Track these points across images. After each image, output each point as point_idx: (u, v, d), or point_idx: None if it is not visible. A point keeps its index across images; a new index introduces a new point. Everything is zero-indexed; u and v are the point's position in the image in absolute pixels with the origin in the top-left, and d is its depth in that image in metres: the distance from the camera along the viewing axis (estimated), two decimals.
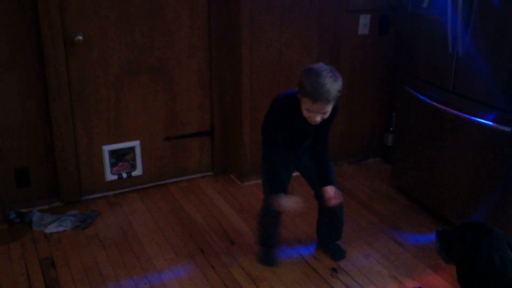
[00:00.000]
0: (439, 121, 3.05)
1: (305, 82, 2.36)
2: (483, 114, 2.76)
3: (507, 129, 2.64)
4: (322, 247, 2.94)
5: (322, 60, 2.51)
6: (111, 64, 3.20)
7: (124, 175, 3.46)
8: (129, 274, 2.73)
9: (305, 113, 2.43)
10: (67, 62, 3.08)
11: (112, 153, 3.39)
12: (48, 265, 2.78)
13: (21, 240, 2.98)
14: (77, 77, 3.15)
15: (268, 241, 2.85)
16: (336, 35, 3.56)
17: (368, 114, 3.88)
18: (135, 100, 3.34)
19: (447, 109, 2.94)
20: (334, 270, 2.79)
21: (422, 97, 3.11)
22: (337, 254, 2.89)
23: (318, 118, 2.43)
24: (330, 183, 2.61)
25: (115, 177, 3.44)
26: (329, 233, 2.91)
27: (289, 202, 2.56)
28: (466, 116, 2.83)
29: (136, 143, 3.43)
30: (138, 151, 3.45)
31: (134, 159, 3.46)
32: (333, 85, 2.35)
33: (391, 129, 3.86)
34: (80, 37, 3.04)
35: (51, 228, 3.06)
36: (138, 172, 3.50)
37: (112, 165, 3.41)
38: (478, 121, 2.78)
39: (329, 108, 2.41)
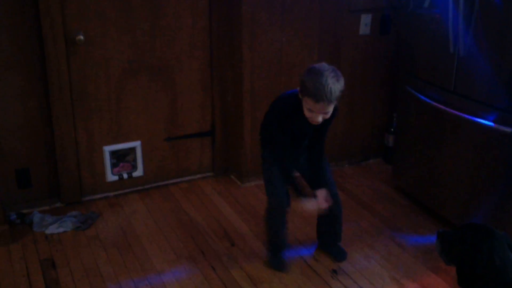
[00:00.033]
0: (440, 121, 3.04)
1: (308, 82, 2.36)
2: (484, 115, 2.75)
3: (508, 129, 2.63)
4: (322, 249, 2.93)
5: (323, 60, 2.50)
6: (112, 64, 3.20)
7: (125, 175, 3.46)
8: (130, 275, 2.73)
9: (307, 113, 2.43)
10: (68, 62, 3.08)
11: (113, 153, 3.39)
12: (48, 266, 2.79)
13: (22, 241, 2.98)
14: (78, 77, 3.15)
15: (278, 243, 2.81)
16: (337, 34, 3.55)
17: (368, 115, 3.87)
18: (136, 100, 3.34)
19: (448, 109, 2.93)
20: (334, 271, 2.79)
21: (423, 97, 3.10)
22: (339, 255, 2.88)
23: (320, 118, 2.42)
24: (322, 185, 2.61)
25: (115, 177, 3.44)
26: (329, 235, 2.90)
27: (311, 205, 2.58)
28: (467, 116, 2.82)
29: (136, 144, 3.43)
30: (138, 152, 3.45)
31: (134, 159, 3.46)
32: (336, 85, 2.34)
33: (392, 129, 3.85)
34: (81, 37, 3.04)
35: (52, 229, 3.06)
36: (138, 172, 3.49)
37: (113, 165, 3.41)
38: (479, 121, 2.77)
39: (331, 108, 2.41)
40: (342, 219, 2.87)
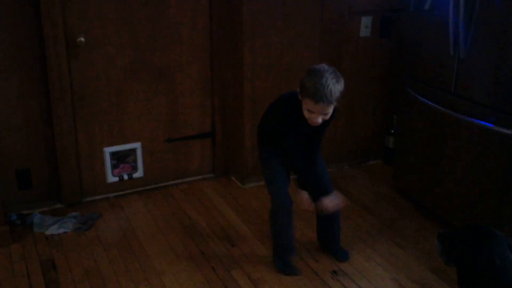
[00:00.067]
0: (440, 123, 3.05)
1: (307, 83, 2.36)
2: (485, 116, 2.75)
3: (508, 131, 2.64)
4: (324, 250, 2.93)
5: (324, 62, 2.50)
6: (112, 65, 3.21)
7: (125, 177, 3.46)
8: (130, 275, 2.73)
9: (306, 114, 2.42)
10: (69, 63, 3.09)
11: (113, 155, 3.39)
12: (48, 267, 2.79)
13: (22, 241, 2.98)
14: (79, 79, 3.16)
15: (285, 245, 2.77)
16: (337, 37, 3.56)
17: (369, 116, 3.87)
18: (136, 102, 3.34)
19: (448, 111, 2.94)
20: (334, 272, 2.79)
21: (423, 99, 3.11)
22: (341, 255, 2.88)
23: (319, 119, 2.42)
24: (327, 192, 2.61)
25: (116, 179, 3.44)
26: (328, 236, 2.90)
27: (308, 197, 2.61)
28: (467, 118, 2.83)
29: (137, 145, 3.43)
30: (139, 153, 3.46)
31: (135, 161, 3.46)
32: (336, 86, 2.34)
33: (392, 131, 3.85)
34: (82, 39, 3.04)
35: (52, 230, 3.06)
36: (139, 174, 3.50)
37: (113, 167, 3.41)
38: (479, 123, 2.77)
39: (330, 109, 2.41)
40: (340, 219, 2.86)
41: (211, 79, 3.50)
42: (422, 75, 3.15)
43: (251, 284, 2.69)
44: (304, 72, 2.44)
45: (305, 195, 2.62)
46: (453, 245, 2.06)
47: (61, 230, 3.06)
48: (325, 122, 2.48)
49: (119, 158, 3.42)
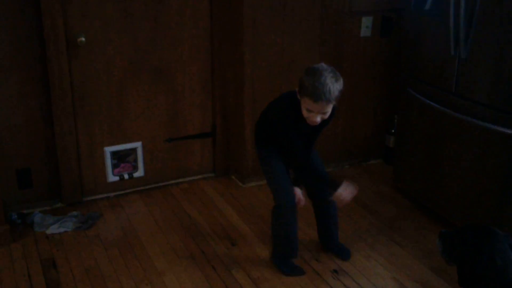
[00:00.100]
0: (441, 123, 3.05)
1: (306, 82, 2.36)
2: (485, 116, 2.76)
3: (508, 131, 2.64)
4: (325, 249, 2.93)
5: (325, 62, 2.50)
6: (113, 65, 3.21)
7: (126, 176, 3.47)
8: (130, 275, 2.74)
9: (305, 114, 2.42)
10: (69, 63, 3.09)
11: (114, 154, 3.39)
12: (49, 266, 2.79)
13: (23, 241, 2.98)
14: (79, 78, 3.16)
15: (290, 245, 2.73)
16: (338, 37, 3.56)
17: (369, 116, 3.88)
18: (137, 101, 3.34)
19: (449, 111, 2.94)
20: (335, 271, 2.79)
21: (424, 98, 3.11)
22: (342, 253, 2.89)
23: (318, 118, 2.42)
24: (337, 185, 2.57)
25: (116, 178, 3.44)
26: (327, 235, 2.90)
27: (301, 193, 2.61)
28: (468, 118, 2.83)
29: (138, 145, 3.43)
30: (140, 153, 3.46)
31: (135, 160, 3.46)
32: (334, 84, 2.34)
33: (393, 130, 3.85)
34: (83, 39, 3.05)
35: (53, 229, 3.06)
36: (139, 173, 3.50)
37: (114, 166, 3.42)
38: (480, 123, 2.77)
39: (329, 108, 2.40)
40: (337, 217, 2.86)
41: (212, 78, 3.51)
42: (423, 74, 3.15)
43: (252, 284, 2.69)
44: (303, 70, 2.44)
45: (298, 191, 2.64)
46: (454, 244, 2.06)
47: (62, 230, 3.06)
48: (324, 122, 2.48)
49: (119, 158, 3.42)
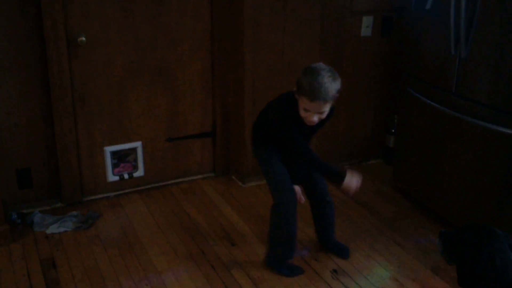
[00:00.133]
0: (441, 122, 3.05)
1: (304, 81, 2.36)
2: (486, 116, 2.75)
3: (509, 131, 2.64)
4: (324, 247, 2.93)
5: (325, 62, 2.50)
6: (113, 65, 3.21)
7: (126, 176, 3.46)
8: (130, 275, 2.74)
9: (302, 113, 2.42)
10: (69, 63, 3.09)
11: (114, 154, 3.39)
12: (49, 266, 2.79)
13: (22, 240, 2.98)
14: (80, 78, 3.16)
15: (289, 246, 2.71)
16: (338, 36, 3.56)
17: (369, 116, 3.87)
18: (137, 101, 3.34)
19: (449, 110, 2.94)
20: (334, 271, 2.79)
21: (424, 98, 3.10)
22: (342, 251, 2.89)
23: (315, 118, 2.41)
24: (343, 176, 2.53)
25: (116, 178, 3.44)
26: (326, 233, 2.90)
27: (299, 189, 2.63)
28: (468, 117, 2.83)
29: (138, 144, 3.43)
30: (140, 152, 3.46)
31: (136, 160, 3.46)
32: (332, 84, 2.34)
33: (393, 130, 3.85)
34: (83, 38, 3.04)
35: (52, 229, 3.06)
36: (139, 173, 3.50)
37: (114, 166, 3.42)
38: (480, 123, 2.77)
39: (326, 108, 2.40)
40: (333, 216, 2.86)
41: (212, 78, 3.50)
42: (423, 74, 3.15)
43: (251, 283, 2.69)
44: (301, 70, 2.44)
45: (298, 189, 2.68)
46: (454, 244, 2.06)
47: (62, 229, 3.06)
48: (321, 122, 2.47)
49: (119, 157, 3.42)
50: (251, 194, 3.51)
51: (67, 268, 2.77)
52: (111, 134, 3.33)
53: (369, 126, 3.90)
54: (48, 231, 3.05)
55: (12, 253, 2.88)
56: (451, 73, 2.93)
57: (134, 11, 3.16)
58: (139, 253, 2.90)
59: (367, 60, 3.70)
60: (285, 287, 2.67)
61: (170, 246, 2.96)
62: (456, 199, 3.02)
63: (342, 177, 2.52)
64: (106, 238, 3.03)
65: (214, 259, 2.86)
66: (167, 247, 2.96)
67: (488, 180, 2.82)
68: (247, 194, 3.52)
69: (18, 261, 2.81)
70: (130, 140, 3.40)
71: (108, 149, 3.36)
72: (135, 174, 3.49)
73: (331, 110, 2.47)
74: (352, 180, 2.52)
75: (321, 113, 2.40)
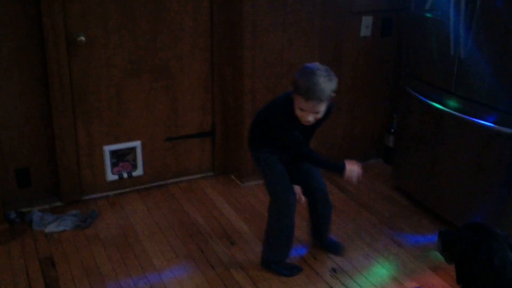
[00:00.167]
0: (440, 122, 3.05)
1: (299, 81, 2.36)
2: (485, 116, 2.75)
3: (508, 130, 2.64)
4: (319, 244, 2.93)
5: (324, 62, 2.50)
6: (113, 65, 3.21)
7: (125, 175, 3.46)
8: (129, 273, 2.73)
9: (298, 113, 2.41)
10: (69, 62, 3.09)
11: (113, 153, 3.39)
12: (48, 265, 2.79)
13: (21, 239, 2.98)
14: (79, 77, 3.16)
15: (287, 247, 2.71)
16: (338, 36, 3.56)
17: (369, 115, 3.87)
18: (136, 100, 3.34)
19: (449, 110, 2.94)
20: (333, 270, 2.79)
21: (423, 98, 3.11)
22: (336, 248, 2.89)
23: (311, 118, 2.40)
24: (343, 168, 2.50)
25: (115, 177, 3.44)
26: (320, 232, 2.91)
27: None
28: (468, 117, 2.83)
29: (137, 144, 3.43)
30: (139, 152, 3.46)
31: (135, 159, 3.46)
32: (328, 84, 2.33)
33: (392, 130, 3.85)
34: (83, 38, 3.04)
35: (52, 228, 3.06)
36: (139, 172, 3.50)
37: (113, 165, 3.42)
38: (479, 122, 2.77)
39: (322, 108, 2.39)
40: (329, 214, 2.86)
41: (211, 78, 3.51)
42: (423, 74, 3.15)
43: (250, 282, 2.69)
44: (297, 69, 2.44)
45: (298, 189, 2.69)
46: (453, 243, 2.06)
47: (61, 228, 3.06)
48: (318, 122, 2.47)
49: (118, 157, 3.42)
50: (250, 194, 3.51)
51: (66, 267, 2.77)
52: (110, 133, 3.33)
53: (368, 126, 3.91)
54: (47, 230, 3.05)
55: (11, 252, 2.88)
56: (450, 73, 2.93)
57: (133, 11, 3.16)
58: (138, 252, 2.90)
59: (366, 60, 3.70)
60: (284, 285, 2.67)
61: (169, 245, 2.96)
62: (455, 199, 3.03)
63: (342, 168, 2.51)
64: (105, 237, 3.03)
65: (213, 258, 2.86)
66: (166, 246, 2.96)
67: (488, 180, 2.82)
68: (246, 193, 3.52)
69: (17, 260, 2.81)
70: (129, 139, 3.40)
71: (107, 148, 3.36)
72: (134, 173, 3.49)
73: (329, 108, 2.47)
74: (353, 169, 2.52)
75: (316, 112, 2.39)
